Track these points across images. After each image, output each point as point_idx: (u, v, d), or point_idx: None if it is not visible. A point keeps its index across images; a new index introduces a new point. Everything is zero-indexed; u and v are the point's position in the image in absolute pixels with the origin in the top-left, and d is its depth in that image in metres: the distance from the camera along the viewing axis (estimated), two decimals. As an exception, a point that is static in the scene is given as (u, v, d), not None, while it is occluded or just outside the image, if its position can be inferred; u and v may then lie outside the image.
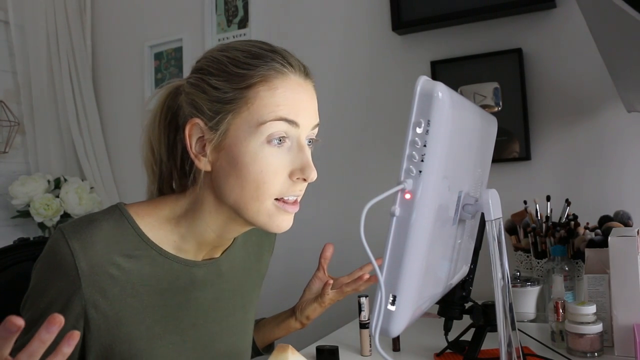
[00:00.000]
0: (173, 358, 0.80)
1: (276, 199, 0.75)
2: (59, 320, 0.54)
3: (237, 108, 0.74)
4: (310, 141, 0.79)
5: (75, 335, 0.56)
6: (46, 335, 0.54)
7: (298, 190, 0.76)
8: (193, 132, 0.76)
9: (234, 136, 0.74)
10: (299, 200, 0.79)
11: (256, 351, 1.07)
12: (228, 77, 0.74)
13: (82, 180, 2.16)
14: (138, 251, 0.76)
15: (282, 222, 0.76)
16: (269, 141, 0.73)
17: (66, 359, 0.57)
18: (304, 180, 0.75)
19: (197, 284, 0.83)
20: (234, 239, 0.90)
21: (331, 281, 1.02)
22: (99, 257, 0.72)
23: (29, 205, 2.01)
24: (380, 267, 0.64)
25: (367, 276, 1.00)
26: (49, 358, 0.56)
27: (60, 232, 0.72)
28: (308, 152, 0.76)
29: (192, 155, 0.76)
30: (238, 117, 0.74)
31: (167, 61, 2.19)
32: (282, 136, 0.74)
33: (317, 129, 0.80)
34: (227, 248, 0.89)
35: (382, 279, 0.64)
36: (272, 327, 1.08)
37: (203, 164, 0.76)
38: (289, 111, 0.73)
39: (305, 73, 0.79)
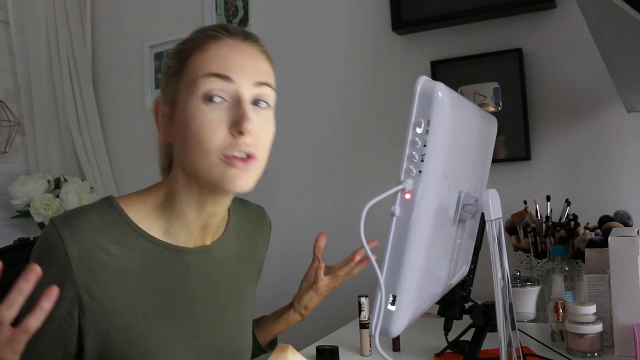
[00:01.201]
0: (171, 345, 0.81)
1: (225, 156, 0.75)
2: (36, 269, 0.57)
3: (179, 78, 0.79)
4: (260, 102, 0.78)
5: (54, 291, 0.60)
6: (24, 284, 0.58)
7: (242, 145, 0.75)
8: (159, 110, 0.82)
9: (178, 103, 0.78)
10: (255, 156, 0.77)
11: (259, 348, 1.07)
12: (175, 55, 0.81)
13: (82, 180, 2.16)
14: (127, 238, 0.78)
15: (235, 179, 0.75)
16: (204, 99, 0.75)
17: (61, 347, 0.67)
18: (241, 133, 0.74)
19: (190, 271, 0.84)
20: (226, 228, 0.92)
21: (322, 265, 1.05)
22: (88, 243, 0.74)
23: (29, 205, 2.01)
24: (380, 267, 0.64)
25: (358, 257, 1.03)
26: (30, 313, 0.60)
27: (51, 222, 0.75)
28: (246, 106, 0.75)
29: (158, 129, 0.82)
30: (180, 84, 0.79)
31: (167, 61, 2.19)
32: (215, 94, 0.75)
33: (267, 89, 0.79)
34: (219, 237, 0.90)
35: (382, 279, 0.64)
36: (272, 322, 1.08)
37: (164, 136, 0.82)
38: (219, 66, 0.76)
39: (246, 37, 0.81)
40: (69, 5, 2.27)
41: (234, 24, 2.05)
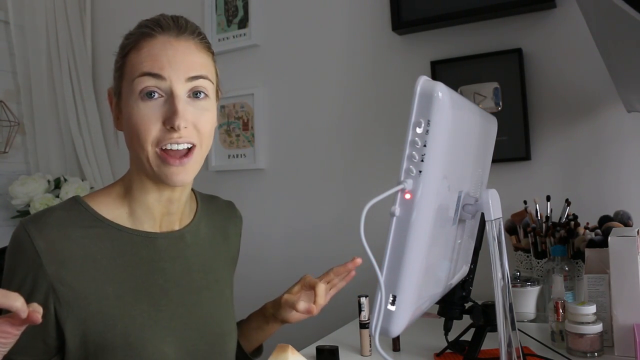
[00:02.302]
0: (149, 326, 0.83)
1: (161, 149, 0.80)
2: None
3: (121, 73, 0.84)
4: (198, 94, 0.83)
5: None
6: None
7: (175, 137, 0.79)
8: (112, 97, 0.88)
9: (122, 97, 0.84)
10: (195, 147, 0.82)
11: (245, 357, 1.05)
12: (120, 49, 0.86)
13: (82, 180, 2.16)
14: (95, 228, 0.82)
15: (173, 175, 0.81)
16: (141, 96, 0.80)
17: (39, 338, 0.74)
18: (172, 128, 0.79)
19: (163, 255, 0.88)
20: (196, 211, 0.96)
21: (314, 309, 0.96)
22: (54, 234, 0.79)
23: (29, 205, 2.01)
24: (380, 267, 0.64)
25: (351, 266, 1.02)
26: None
27: (19, 223, 0.80)
28: (179, 102, 0.80)
29: (113, 118, 0.88)
30: (122, 81, 0.84)
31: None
32: (150, 90, 0.80)
33: (202, 81, 0.83)
34: (189, 224, 0.94)
35: (382, 279, 0.64)
36: (253, 332, 1.06)
37: (116, 124, 0.88)
38: (152, 66, 0.80)
39: (180, 31, 0.84)
40: (69, 5, 2.27)
41: (234, 24, 2.05)
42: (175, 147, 0.80)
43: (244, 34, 2.02)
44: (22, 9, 2.18)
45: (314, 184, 1.90)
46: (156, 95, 0.80)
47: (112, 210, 0.85)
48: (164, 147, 0.80)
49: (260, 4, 2.01)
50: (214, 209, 1.02)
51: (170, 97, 0.80)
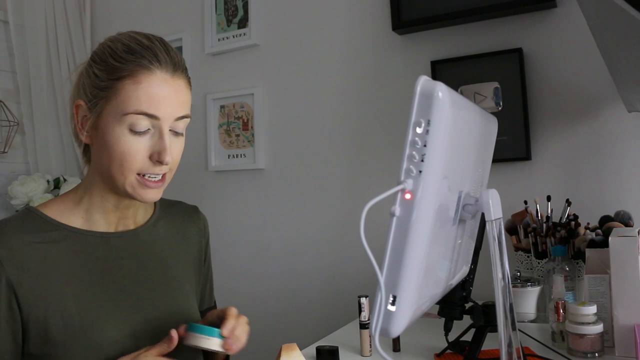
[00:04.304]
0: (106, 320, 0.86)
1: (139, 174, 0.85)
2: None
3: (108, 96, 0.84)
4: (178, 130, 0.88)
5: None
6: None
7: (157, 170, 0.86)
8: (79, 111, 0.88)
9: (105, 119, 0.84)
10: (166, 178, 0.89)
11: None
12: (106, 67, 0.85)
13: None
14: (50, 233, 0.86)
15: (145, 194, 0.87)
16: (130, 130, 0.83)
17: (10, 338, 0.79)
18: (160, 162, 0.84)
19: (118, 253, 0.91)
20: (153, 214, 1.00)
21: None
22: (13, 242, 0.82)
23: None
24: (381, 267, 0.64)
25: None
26: None
27: None
28: (167, 139, 0.85)
29: (77, 128, 0.88)
30: (108, 104, 0.84)
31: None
32: (143, 129, 0.83)
33: (185, 120, 0.88)
34: (144, 223, 0.97)
35: (382, 279, 0.63)
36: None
37: (84, 137, 0.88)
38: (149, 105, 0.83)
39: (175, 69, 0.86)
40: (68, 5, 2.26)
41: (234, 23, 2.05)
42: (154, 177, 0.86)
43: (244, 34, 2.02)
44: (22, 8, 2.18)
45: (314, 183, 1.90)
46: (145, 129, 0.84)
47: (67, 216, 0.89)
48: (143, 175, 0.85)
49: (260, 3, 2.01)
50: (175, 212, 1.06)
51: (160, 133, 0.85)
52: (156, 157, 0.84)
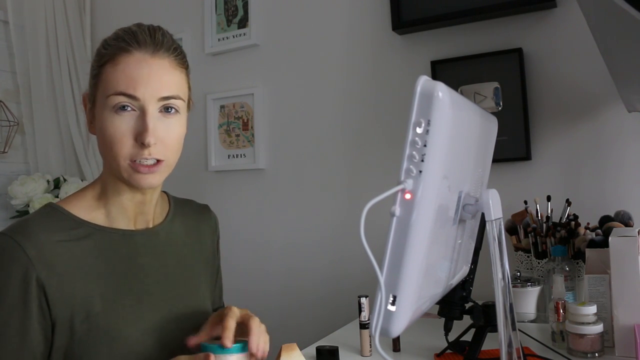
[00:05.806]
0: (132, 319, 0.86)
1: (132, 162, 0.84)
2: None
3: (97, 82, 0.86)
4: (169, 109, 0.86)
5: None
6: None
7: (146, 154, 0.84)
8: (87, 102, 0.90)
9: (97, 107, 0.86)
10: (162, 160, 0.86)
11: None
12: (96, 57, 0.87)
13: (82, 180, 2.16)
14: (75, 230, 0.86)
15: (140, 180, 0.85)
16: (115, 111, 0.83)
17: (42, 333, 0.79)
18: (143, 144, 0.83)
19: (140, 251, 0.91)
20: (168, 212, 1.00)
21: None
22: (42, 241, 0.82)
23: (28, 205, 2.01)
24: (381, 267, 0.64)
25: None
26: None
27: (2, 234, 0.82)
28: (150, 119, 0.83)
29: (87, 121, 0.90)
30: (98, 91, 0.86)
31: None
32: (123, 105, 0.83)
33: (175, 101, 0.86)
34: (162, 222, 0.97)
35: (382, 279, 0.63)
36: None
37: (90, 128, 0.90)
38: (126, 86, 0.83)
39: (156, 49, 0.85)
40: (68, 5, 2.26)
41: (234, 23, 2.05)
42: (144, 162, 0.85)
43: (244, 34, 2.02)
44: (22, 8, 2.18)
45: (314, 183, 1.90)
46: (129, 108, 0.83)
47: (89, 212, 0.89)
48: (134, 160, 0.84)
49: (260, 3, 2.01)
50: (188, 210, 1.06)
51: (142, 114, 0.84)
52: (140, 139, 0.83)
